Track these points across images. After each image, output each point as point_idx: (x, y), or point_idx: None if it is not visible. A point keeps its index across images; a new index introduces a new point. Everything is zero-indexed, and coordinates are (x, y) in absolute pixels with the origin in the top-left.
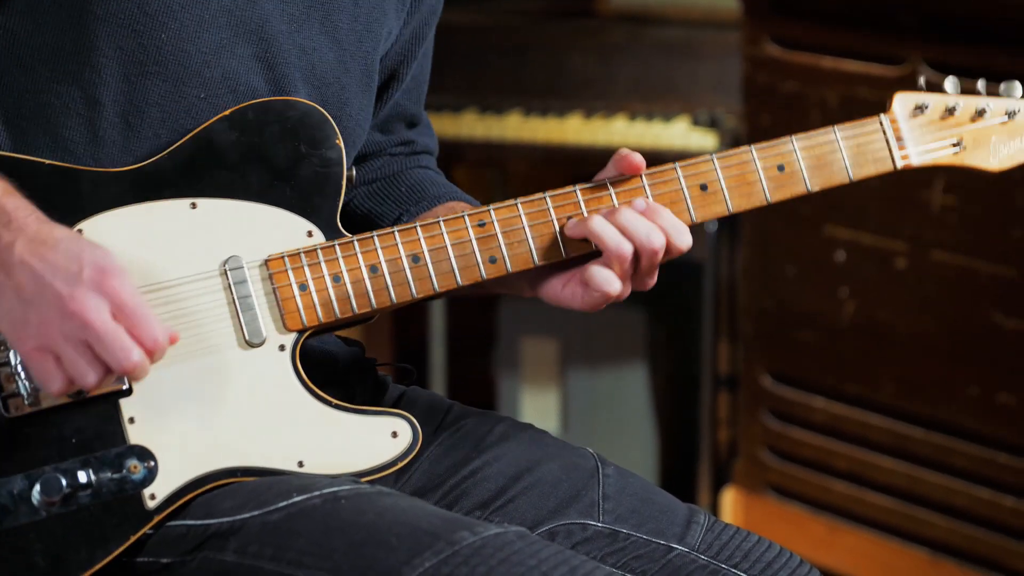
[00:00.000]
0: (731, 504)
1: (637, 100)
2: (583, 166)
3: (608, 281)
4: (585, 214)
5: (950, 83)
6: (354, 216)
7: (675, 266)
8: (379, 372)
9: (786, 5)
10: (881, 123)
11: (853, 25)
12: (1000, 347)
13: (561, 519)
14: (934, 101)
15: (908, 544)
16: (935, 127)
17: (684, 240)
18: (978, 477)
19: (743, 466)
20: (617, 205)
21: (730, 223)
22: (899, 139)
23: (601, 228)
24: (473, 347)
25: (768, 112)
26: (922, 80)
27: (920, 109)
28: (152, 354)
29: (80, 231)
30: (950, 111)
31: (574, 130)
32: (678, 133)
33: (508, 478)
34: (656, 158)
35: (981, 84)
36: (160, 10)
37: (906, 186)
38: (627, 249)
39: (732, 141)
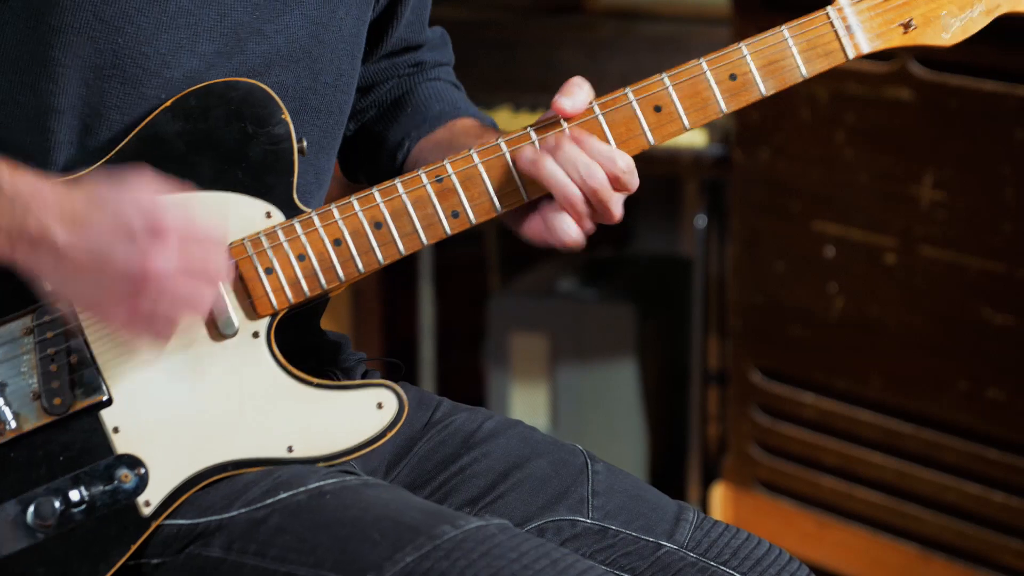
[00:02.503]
0: (720, 499)
1: None
2: None
3: (567, 230)
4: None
5: None
6: (367, 136)
7: (665, 261)
8: (367, 367)
9: (775, 0)
10: (828, 15)
11: None
12: (990, 342)
13: (550, 515)
14: None
15: (898, 539)
16: (882, 9)
17: (618, 166)
18: (968, 472)
19: (732, 462)
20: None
21: (719, 219)
22: (847, 28)
23: (551, 173)
24: (462, 342)
25: (757, 108)
26: None
27: None
28: (224, 247)
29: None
30: None
31: None
32: None
33: (497, 474)
34: (645, 153)
35: None
36: (116, 15)
37: (895, 181)
38: (574, 193)
39: (722, 137)
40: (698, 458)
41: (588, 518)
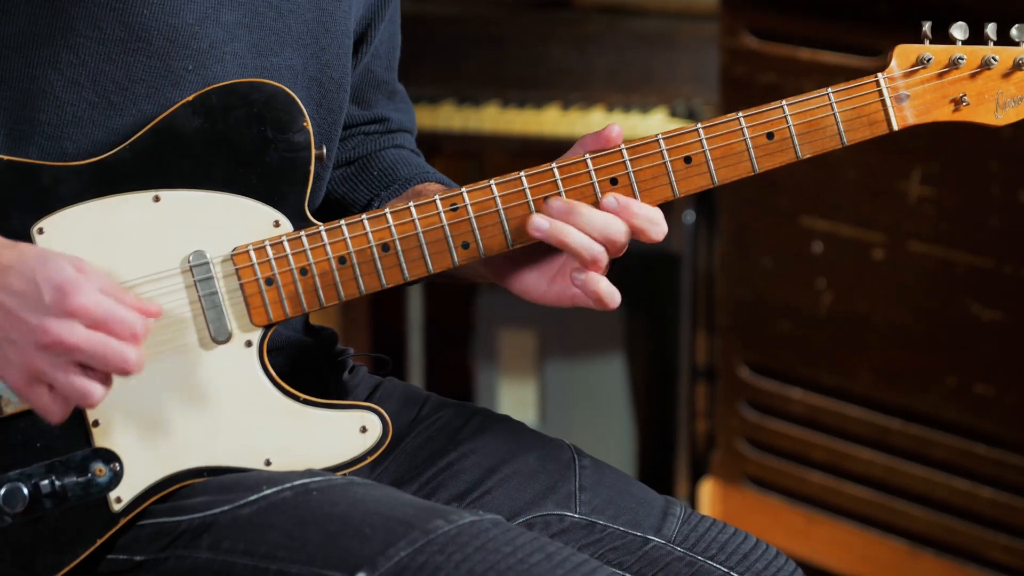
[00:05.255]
0: (709, 495)
1: (615, 91)
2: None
3: (610, 292)
4: (563, 193)
5: (958, 29)
6: (328, 200)
7: (653, 257)
8: (354, 362)
9: None
10: (878, 82)
11: (831, 16)
12: (978, 338)
13: (538, 510)
14: (937, 54)
15: (886, 535)
16: (936, 82)
17: (659, 232)
18: (956, 468)
19: (721, 457)
20: (596, 183)
21: (708, 214)
22: (897, 98)
23: (577, 241)
24: (451, 338)
25: (745, 103)
26: (927, 27)
27: (921, 63)
28: (139, 340)
29: (40, 230)
30: (954, 64)
31: (552, 122)
32: (656, 124)
33: (485, 470)
34: None
35: (991, 28)
36: None
37: (883, 177)
38: (601, 254)
39: None
40: (686, 454)
41: (576, 513)
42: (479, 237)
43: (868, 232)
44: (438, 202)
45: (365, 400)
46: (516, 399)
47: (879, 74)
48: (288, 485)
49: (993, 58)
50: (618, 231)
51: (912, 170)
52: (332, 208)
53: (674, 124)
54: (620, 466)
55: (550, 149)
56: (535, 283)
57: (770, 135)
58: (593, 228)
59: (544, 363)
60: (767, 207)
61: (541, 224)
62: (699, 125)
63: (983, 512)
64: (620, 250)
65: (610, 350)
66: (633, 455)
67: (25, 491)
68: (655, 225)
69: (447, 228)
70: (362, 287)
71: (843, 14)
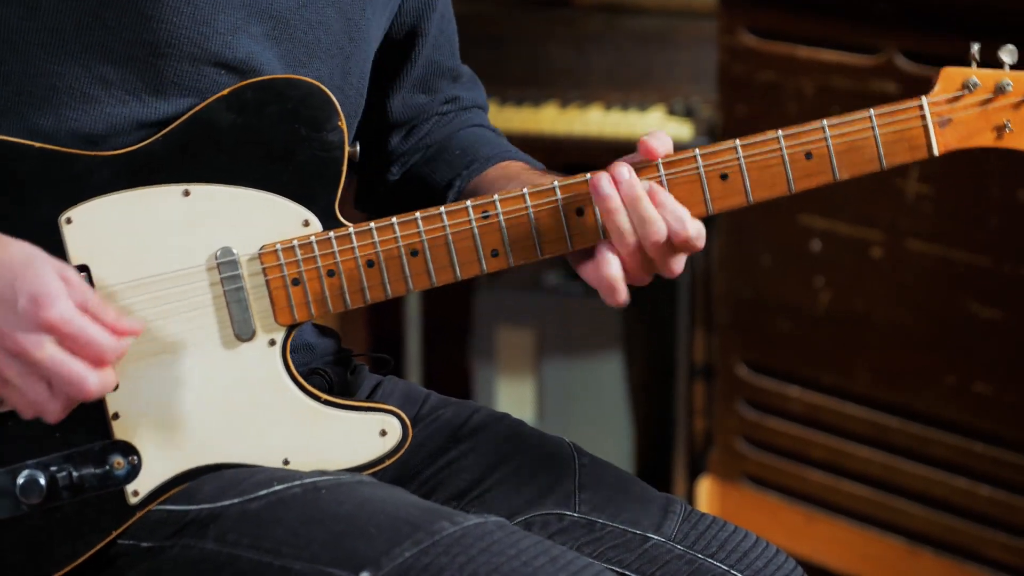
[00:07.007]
0: (707, 493)
1: (613, 89)
2: (559, 155)
3: (615, 280)
4: (596, 205)
5: (1007, 53)
6: (409, 184)
7: None
8: (355, 362)
9: None
10: (922, 106)
11: (829, 14)
12: (976, 336)
13: (537, 509)
14: (984, 79)
15: (885, 533)
16: (981, 108)
17: (688, 231)
18: (954, 466)
19: (719, 455)
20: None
21: None
22: (940, 123)
23: (615, 209)
24: (449, 336)
25: (744, 102)
26: (975, 49)
27: (967, 87)
28: (106, 364)
29: (69, 219)
30: (1000, 90)
31: (550, 120)
32: (654, 122)
33: (484, 468)
34: (631, 148)
35: None
36: None
37: (881, 175)
38: (630, 238)
39: (708, 131)
40: (684, 452)
41: (575, 512)
42: (509, 247)
43: (866, 230)
44: (470, 208)
45: (366, 399)
46: (514, 398)
47: (923, 98)
48: (298, 482)
49: None
50: (653, 219)
51: (909, 168)
52: (417, 187)
53: (672, 122)
54: (618, 464)
55: (548, 147)
56: (589, 270)
57: (808, 155)
58: (635, 208)
59: (542, 362)
60: (765, 204)
61: (605, 186)
62: (737, 142)
63: (981, 510)
64: (652, 246)
65: (608, 348)
66: (631, 454)
67: (42, 481)
68: (680, 223)
69: (477, 235)
70: (389, 291)
71: (842, 12)
